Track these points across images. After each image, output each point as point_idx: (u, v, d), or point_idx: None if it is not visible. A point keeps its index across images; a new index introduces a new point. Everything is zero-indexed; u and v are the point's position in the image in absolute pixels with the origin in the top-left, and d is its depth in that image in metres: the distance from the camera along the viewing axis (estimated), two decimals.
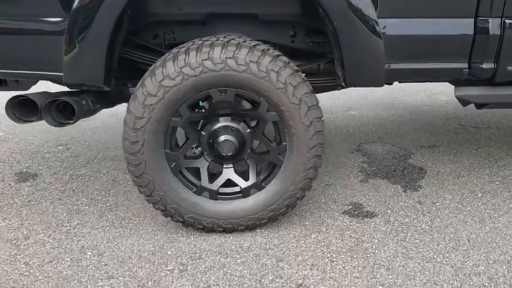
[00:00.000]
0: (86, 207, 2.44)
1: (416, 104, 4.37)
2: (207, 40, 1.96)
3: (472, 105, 2.43)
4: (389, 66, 2.00)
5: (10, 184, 2.69)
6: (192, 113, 2.03)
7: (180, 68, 1.89)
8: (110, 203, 2.48)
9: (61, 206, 2.45)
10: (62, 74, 1.95)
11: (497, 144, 3.33)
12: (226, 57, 1.89)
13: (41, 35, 1.91)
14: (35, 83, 2.44)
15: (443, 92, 4.72)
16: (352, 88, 2.59)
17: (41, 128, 3.58)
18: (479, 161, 3.03)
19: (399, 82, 2.42)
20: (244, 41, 1.96)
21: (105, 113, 3.43)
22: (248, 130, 2.10)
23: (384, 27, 1.94)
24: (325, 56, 2.44)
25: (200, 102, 2.04)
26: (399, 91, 4.69)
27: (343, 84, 2.13)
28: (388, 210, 2.42)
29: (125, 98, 2.36)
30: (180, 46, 1.99)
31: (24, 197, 2.55)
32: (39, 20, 1.89)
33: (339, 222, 2.31)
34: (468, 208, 2.45)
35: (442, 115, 4.05)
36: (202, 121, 2.12)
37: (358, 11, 1.90)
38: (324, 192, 2.60)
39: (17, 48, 1.94)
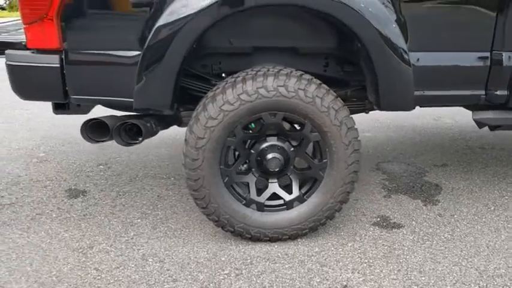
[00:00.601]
0: (139, 220, 2.67)
1: (424, 127, 4.68)
2: (260, 70, 2.24)
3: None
4: (423, 92, 2.29)
5: (63, 200, 2.92)
6: (245, 134, 2.30)
7: (238, 95, 2.17)
8: (160, 216, 2.72)
9: (115, 220, 2.68)
10: (131, 99, 2.22)
11: (503, 163, 3.62)
12: (278, 85, 2.18)
13: (119, 66, 2.18)
14: (93, 107, 2.70)
15: (447, 116, 5.04)
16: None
17: (78, 149, 3.83)
18: (489, 178, 3.31)
19: (420, 106, 2.71)
20: (291, 72, 2.25)
21: None
22: (292, 149, 2.36)
23: (418, 59, 2.24)
24: (351, 84, 2.73)
25: (252, 124, 2.32)
26: (407, 114, 4.99)
27: (376, 108, 2.42)
28: (413, 222, 2.68)
29: (177, 120, 2.63)
30: (235, 75, 2.27)
31: (79, 211, 2.78)
32: (119, 53, 2.17)
33: (371, 232, 2.56)
34: (483, 219, 2.72)
35: (449, 137, 4.35)
36: (249, 141, 2.39)
37: (392, 44, 2.19)
38: (353, 206, 2.86)
39: (97, 77, 2.21)
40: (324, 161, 2.35)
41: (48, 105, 2.61)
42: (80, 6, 2.11)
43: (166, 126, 2.61)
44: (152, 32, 2.10)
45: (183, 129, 2.88)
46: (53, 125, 4.41)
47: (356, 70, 2.56)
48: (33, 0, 2.07)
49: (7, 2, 22.38)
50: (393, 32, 2.20)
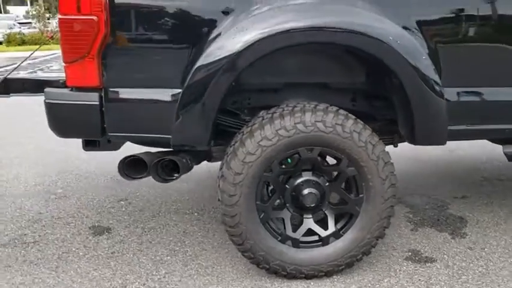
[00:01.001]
0: (168, 258, 2.62)
1: (438, 159, 4.70)
2: (296, 106, 2.26)
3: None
4: (458, 127, 2.31)
5: (88, 237, 2.87)
6: (281, 169, 2.29)
7: (277, 130, 2.18)
8: (189, 253, 2.67)
9: (144, 257, 2.63)
10: (169, 136, 2.22)
11: None
12: (315, 121, 2.19)
13: (158, 103, 2.19)
14: (124, 143, 2.69)
15: (459, 148, 5.07)
16: None
17: (96, 184, 3.79)
18: (511, 210, 3.32)
19: (450, 140, 2.71)
20: (327, 107, 2.27)
21: None
22: (327, 184, 2.36)
23: (456, 94, 2.27)
24: (378, 118, 2.75)
25: (288, 159, 2.32)
26: (420, 147, 5.02)
27: (410, 143, 2.43)
28: (445, 256, 2.66)
29: (208, 155, 2.63)
30: (271, 111, 2.28)
31: (106, 249, 2.73)
32: (159, 91, 2.18)
33: (405, 267, 2.54)
34: None
35: (464, 168, 4.37)
36: (283, 176, 2.38)
37: (424, 77, 2.21)
38: (382, 241, 2.82)
39: (135, 114, 2.21)
40: (360, 196, 2.34)
41: (61, 141, 2.60)
42: (121, 45, 2.13)
43: (198, 161, 2.60)
44: (192, 71, 2.13)
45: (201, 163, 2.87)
46: (67, 161, 4.37)
47: (384, 104, 2.59)
48: (76, 39, 2.08)
49: (5, 37, 22.52)
50: (425, 64, 2.22)
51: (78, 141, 2.56)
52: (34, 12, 25.98)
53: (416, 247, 2.77)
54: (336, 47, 2.32)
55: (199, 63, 2.13)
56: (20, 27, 26.33)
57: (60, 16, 2.09)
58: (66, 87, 2.22)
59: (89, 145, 2.54)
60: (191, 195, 3.57)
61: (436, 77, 2.25)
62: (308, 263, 2.36)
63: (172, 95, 2.17)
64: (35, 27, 24.98)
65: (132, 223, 3.08)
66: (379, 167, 2.27)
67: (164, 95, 2.18)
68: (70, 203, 3.42)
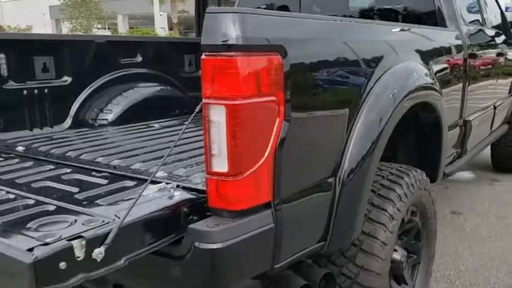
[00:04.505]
0: None
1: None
2: (392, 169, 2.17)
3: None
4: None
5: None
6: None
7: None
8: None
9: None
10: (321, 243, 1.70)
11: None
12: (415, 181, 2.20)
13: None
14: None
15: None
16: None
17: None
18: None
19: None
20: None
21: None
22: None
23: None
24: None
25: None
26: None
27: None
28: None
29: None
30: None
31: None
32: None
33: None
34: None
35: None
36: None
37: None
38: None
39: (307, 221, 1.60)
40: (420, 243, 2.40)
41: None
42: (296, 133, 1.46)
43: None
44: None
45: None
46: None
47: None
48: (255, 135, 1.33)
49: None
50: None
51: None
52: None
53: None
54: None
55: None
56: None
57: (228, 101, 1.26)
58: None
59: None
60: None
61: None
62: None
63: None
64: None
65: None
66: (435, 208, 2.43)
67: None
68: None
